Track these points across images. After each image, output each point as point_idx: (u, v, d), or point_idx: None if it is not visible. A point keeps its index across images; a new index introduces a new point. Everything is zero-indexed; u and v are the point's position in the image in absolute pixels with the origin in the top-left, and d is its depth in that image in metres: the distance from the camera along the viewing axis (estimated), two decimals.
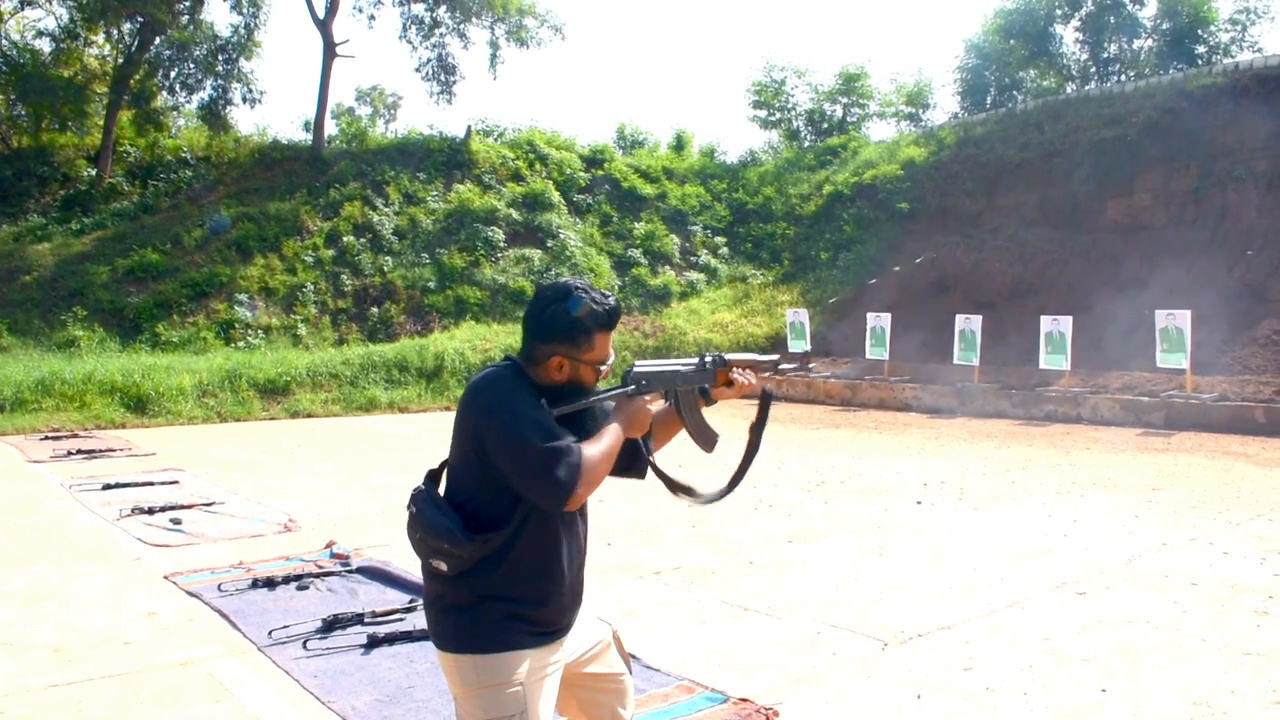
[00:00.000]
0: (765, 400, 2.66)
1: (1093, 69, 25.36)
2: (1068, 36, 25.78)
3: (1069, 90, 24.28)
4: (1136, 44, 24.93)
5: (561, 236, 23.15)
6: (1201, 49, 23.49)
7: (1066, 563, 6.34)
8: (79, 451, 11.60)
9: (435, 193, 23.60)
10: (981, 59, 26.65)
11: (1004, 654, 4.65)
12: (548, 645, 2.40)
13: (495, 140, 26.91)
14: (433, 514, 2.30)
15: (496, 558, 2.31)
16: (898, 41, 68.32)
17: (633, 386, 2.51)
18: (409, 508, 2.36)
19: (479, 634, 2.31)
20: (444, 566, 2.30)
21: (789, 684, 4.30)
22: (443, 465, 2.44)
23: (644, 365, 2.57)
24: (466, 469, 2.35)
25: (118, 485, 9.24)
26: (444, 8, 25.95)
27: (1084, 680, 4.30)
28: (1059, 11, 24.94)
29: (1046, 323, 15.10)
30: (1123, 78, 23.67)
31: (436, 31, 26.32)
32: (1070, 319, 14.86)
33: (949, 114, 28.06)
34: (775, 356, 2.82)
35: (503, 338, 19.12)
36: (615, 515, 7.80)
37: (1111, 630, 4.98)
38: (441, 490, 2.41)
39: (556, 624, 2.42)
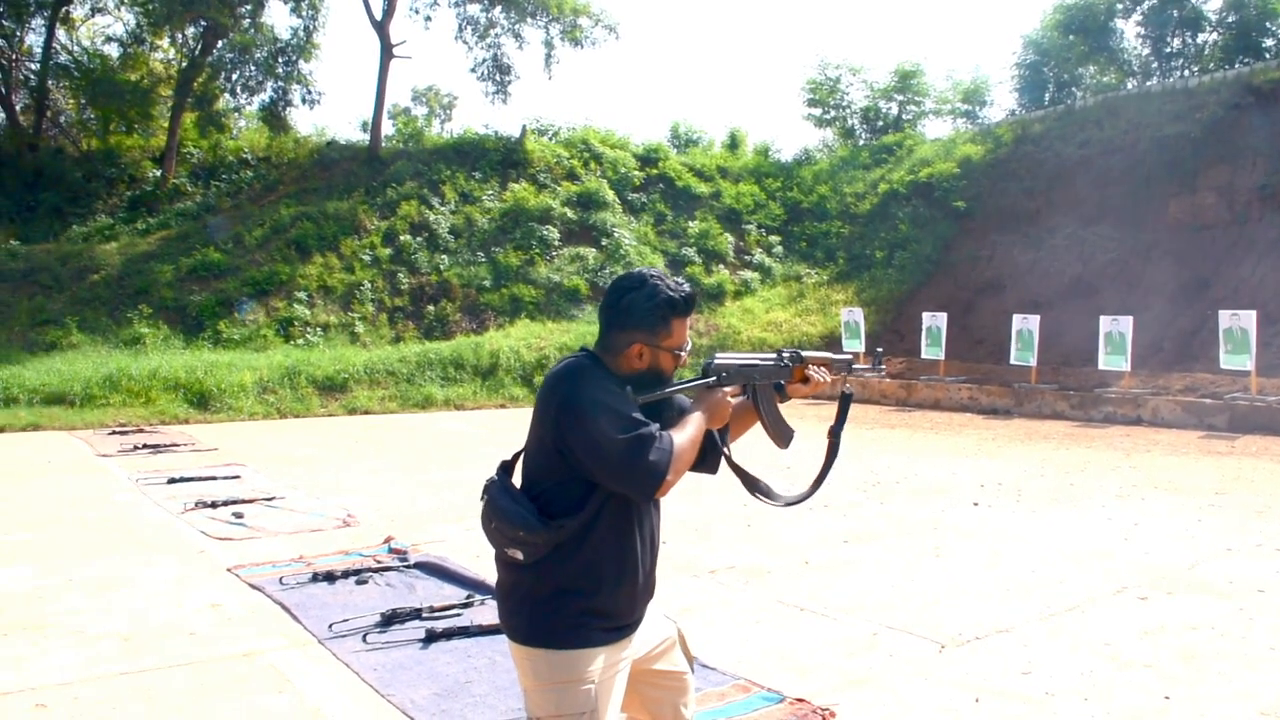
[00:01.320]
0: (844, 401, 2.68)
1: (1154, 64, 24.85)
2: (1129, 31, 25.32)
3: (1130, 86, 23.81)
4: (1200, 38, 24.38)
5: (616, 235, 23.22)
6: (1269, 42, 22.89)
7: (1127, 567, 6.24)
8: (145, 446, 11.89)
9: (491, 192, 23.78)
10: (1040, 55, 26.25)
11: (1063, 658, 4.59)
12: (619, 642, 2.42)
13: (550, 139, 27.05)
14: (507, 502, 2.33)
15: (572, 548, 2.33)
16: (954, 38, 67.40)
17: (714, 378, 2.52)
18: (482, 497, 2.40)
19: (554, 629, 2.34)
20: (520, 555, 2.33)
21: (846, 685, 4.30)
22: (516, 456, 2.47)
23: (725, 357, 2.57)
24: (543, 459, 2.38)
25: (182, 480, 9.47)
26: (499, 8, 26.13)
27: (1146, 686, 4.24)
28: (1120, 6, 24.47)
29: (1105, 323, 14.85)
30: (1186, 73, 23.16)
31: (492, 32, 26.52)
32: (1130, 319, 14.60)
33: (1006, 111, 27.70)
34: (849, 356, 2.82)
35: (557, 336, 19.23)
36: (665, 515, 7.81)
37: (1174, 636, 4.90)
38: (517, 479, 2.44)
39: (629, 617, 2.44)
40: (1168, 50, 24.56)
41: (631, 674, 2.51)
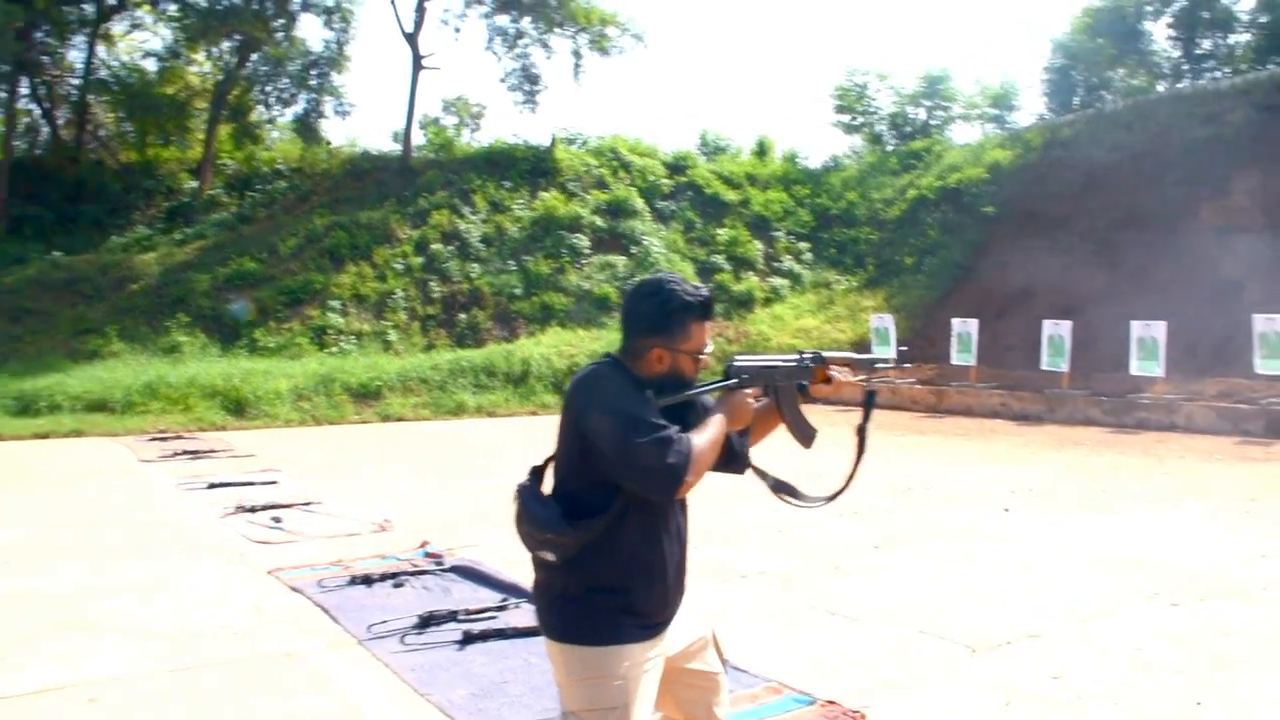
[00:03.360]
0: (869, 401, 2.72)
1: (1185, 66, 24.66)
2: (1159, 33, 25.15)
3: (1160, 89, 23.67)
4: (1232, 39, 24.18)
5: (645, 243, 23.33)
6: None
7: (1159, 572, 6.24)
8: (185, 452, 12.11)
9: (521, 200, 23.99)
10: (1069, 58, 26.15)
11: (1094, 663, 4.62)
12: (651, 639, 2.49)
13: (579, 148, 27.25)
14: (536, 506, 2.42)
15: (602, 547, 2.40)
16: (982, 43, 67.07)
17: (735, 380, 2.58)
18: (514, 502, 2.49)
19: (587, 626, 2.42)
20: (551, 555, 2.42)
21: (877, 688, 4.35)
22: (547, 460, 2.55)
23: (745, 359, 2.63)
24: (570, 462, 2.46)
25: (222, 485, 9.65)
26: (528, 19, 26.39)
27: (1178, 692, 4.26)
28: (1149, 8, 24.33)
29: (1138, 328, 14.76)
30: (1217, 75, 22.96)
31: (520, 42, 26.80)
32: (1163, 324, 14.51)
33: (1035, 115, 27.62)
34: (872, 356, 2.87)
35: (588, 343, 19.36)
36: (694, 522, 7.88)
37: (1207, 642, 4.91)
38: (549, 483, 2.52)
39: (660, 615, 2.52)
40: (1198, 52, 24.38)
41: (665, 673, 2.58)
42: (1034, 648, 4.84)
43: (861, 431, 2.70)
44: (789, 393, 2.66)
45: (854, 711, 4.03)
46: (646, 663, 2.47)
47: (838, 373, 2.67)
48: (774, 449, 2.85)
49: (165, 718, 4.10)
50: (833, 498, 2.71)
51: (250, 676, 4.58)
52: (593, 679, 2.41)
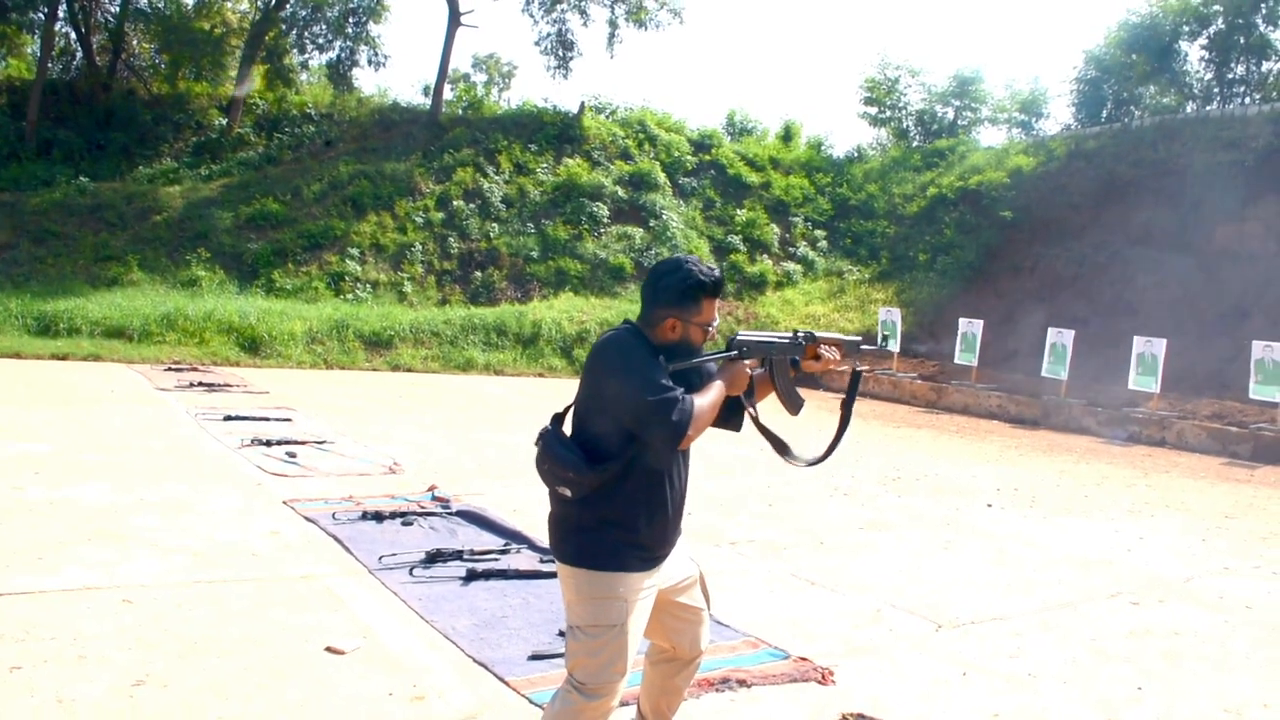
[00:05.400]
0: (855, 378, 3.13)
1: (1216, 89, 24.73)
2: (1193, 54, 25.14)
3: (1189, 109, 23.76)
4: (1265, 66, 24.24)
5: (664, 217, 23.58)
6: None
7: (1126, 574, 6.58)
8: (200, 384, 12.48)
9: (545, 165, 24.21)
10: (1100, 71, 26.18)
11: (1051, 647, 4.97)
12: (649, 570, 2.88)
13: (607, 118, 27.41)
14: (560, 449, 2.78)
15: (614, 487, 2.78)
16: (1015, 47, 66.83)
17: (735, 352, 2.98)
18: (536, 444, 2.85)
19: (596, 553, 2.80)
20: (569, 492, 2.79)
21: (847, 652, 4.70)
22: (566, 409, 2.92)
23: (746, 335, 3.04)
24: (589, 412, 2.84)
25: (238, 418, 10.02)
26: None
27: (1123, 678, 4.61)
28: (1185, 28, 24.34)
29: (1139, 343, 15.03)
30: (1246, 100, 23.07)
31: (559, 7, 26.90)
32: (1164, 342, 14.76)
33: (1062, 124, 27.66)
34: (858, 338, 3.28)
35: (599, 311, 19.66)
36: (695, 490, 8.22)
37: (1158, 638, 5.25)
38: (567, 429, 2.89)
39: (659, 550, 2.91)
40: (1230, 76, 24.44)
41: (657, 603, 2.97)
42: (996, 629, 5.19)
43: (846, 406, 3.09)
44: (782, 366, 3.07)
45: (824, 668, 4.38)
46: (643, 590, 2.85)
47: (827, 352, 3.06)
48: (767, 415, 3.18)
49: (193, 621, 4.46)
50: (815, 462, 3.11)
51: (269, 593, 4.94)
52: (598, 599, 2.79)
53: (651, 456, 2.79)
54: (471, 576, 5.32)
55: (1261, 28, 23.37)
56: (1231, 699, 4.45)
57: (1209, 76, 25.03)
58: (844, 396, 3.13)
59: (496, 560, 5.64)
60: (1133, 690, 4.45)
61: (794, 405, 3.10)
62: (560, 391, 3.52)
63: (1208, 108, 23.09)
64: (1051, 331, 16.38)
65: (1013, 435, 14.26)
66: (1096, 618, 5.53)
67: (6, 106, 22.58)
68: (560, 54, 27.48)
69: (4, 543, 5.36)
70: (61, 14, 23.46)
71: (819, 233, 24.92)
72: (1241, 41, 23.61)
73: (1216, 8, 23.47)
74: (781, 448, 3.10)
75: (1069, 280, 19.29)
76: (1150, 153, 20.54)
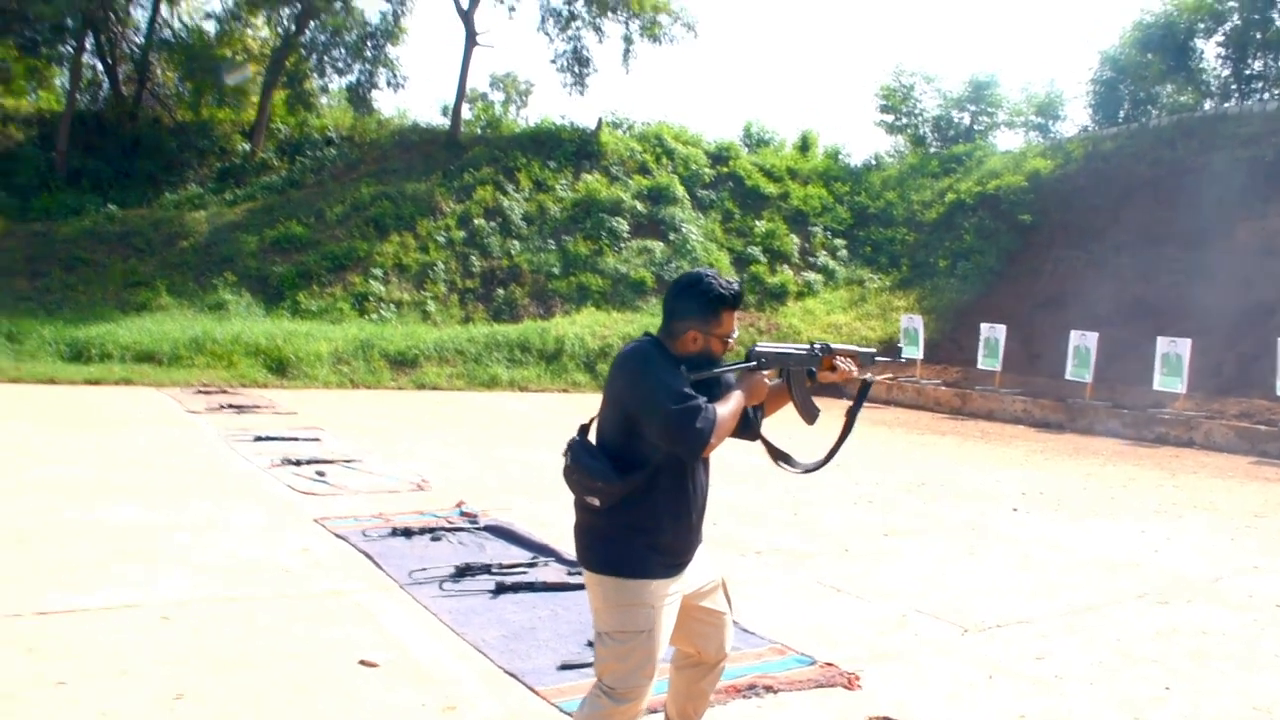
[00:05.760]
0: (864, 388, 3.20)
1: (1233, 86, 24.59)
2: (1209, 52, 25.05)
3: (1206, 107, 23.65)
4: None
5: (684, 230, 23.68)
6: None
7: (1153, 575, 6.57)
8: (230, 406, 12.65)
9: (564, 181, 24.38)
10: (1116, 71, 26.13)
11: (1077, 649, 4.98)
12: (674, 576, 2.95)
13: (624, 133, 27.58)
14: (588, 459, 2.86)
15: (638, 496, 2.85)
16: (1030, 50, 66.52)
17: (755, 363, 3.06)
18: (564, 455, 2.92)
19: (622, 561, 2.87)
20: (597, 501, 2.86)
21: (872, 657, 4.73)
22: (591, 420, 3.00)
23: (765, 346, 3.12)
24: (614, 423, 2.91)
25: (268, 438, 10.16)
26: (581, 2, 26.72)
27: (1150, 678, 4.62)
28: (1201, 26, 24.25)
29: (1163, 344, 14.96)
30: (1265, 96, 22.94)
31: (573, 25, 27.12)
32: (1189, 341, 14.69)
33: (1079, 126, 27.63)
34: (873, 349, 3.36)
35: (621, 325, 19.76)
36: (718, 499, 8.27)
37: (1185, 638, 5.25)
38: (592, 439, 2.97)
39: (682, 556, 2.98)
40: (1248, 72, 24.30)
41: (682, 609, 3.03)
42: (1022, 632, 5.21)
43: (851, 414, 3.18)
44: (799, 376, 3.15)
45: (850, 674, 4.42)
46: (668, 596, 2.92)
47: (842, 363, 3.14)
48: (783, 425, 3.25)
49: (228, 636, 4.55)
50: (812, 469, 3.24)
51: (300, 608, 5.03)
52: (625, 606, 2.86)
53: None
54: (500, 590, 5.39)
55: (1278, 22, 23.24)
56: (1260, 698, 4.45)
57: (1226, 73, 24.92)
58: (850, 405, 3.21)
59: (525, 573, 5.71)
60: (1160, 690, 4.46)
61: (810, 415, 3.17)
62: (584, 407, 3.59)
63: (1225, 105, 22.97)
64: (1074, 334, 16.32)
65: (1038, 439, 14.21)
66: (1123, 619, 5.54)
67: (37, 138, 23.03)
68: (576, 71, 27.68)
69: (43, 562, 5.49)
70: (89, 46, 23.91)
71: (839, 241, 24.94)
72: (1258, 37, 23.50)
73: (1232, 4, 23.40)
74: (778, 455, 3.20)
75: (1090, 282, 19.20)
76: (1169, 152, 20.47)
